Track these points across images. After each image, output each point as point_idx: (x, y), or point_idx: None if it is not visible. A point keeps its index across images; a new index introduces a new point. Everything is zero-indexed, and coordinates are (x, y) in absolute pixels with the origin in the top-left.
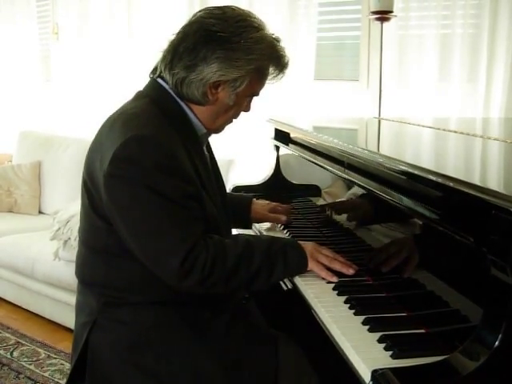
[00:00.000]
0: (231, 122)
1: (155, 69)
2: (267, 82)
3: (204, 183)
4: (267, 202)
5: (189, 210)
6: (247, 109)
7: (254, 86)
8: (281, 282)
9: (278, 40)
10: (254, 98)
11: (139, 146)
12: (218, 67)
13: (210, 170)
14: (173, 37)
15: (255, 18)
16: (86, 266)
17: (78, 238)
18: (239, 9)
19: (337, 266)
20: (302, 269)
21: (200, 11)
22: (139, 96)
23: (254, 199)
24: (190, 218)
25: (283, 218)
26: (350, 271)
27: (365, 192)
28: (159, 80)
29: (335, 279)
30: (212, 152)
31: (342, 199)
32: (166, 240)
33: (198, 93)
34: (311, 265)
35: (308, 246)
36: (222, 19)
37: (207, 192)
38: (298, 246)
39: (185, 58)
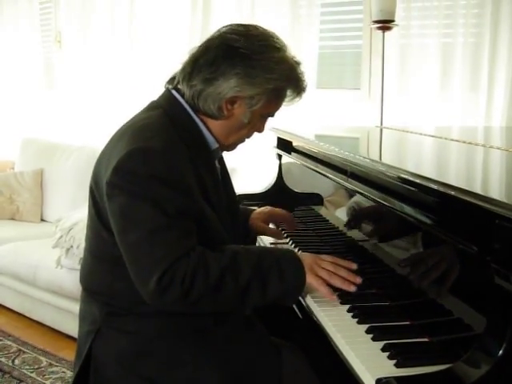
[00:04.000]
0: (243, 141)
1: (172, 79)
2: (283, 104)
3: (210, 198)
4: (263, 209)
5: (180, 225)
6: (261, 129)
7: (271, 106)
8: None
9: (298, 63)
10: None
11: (142, 158)
12: (236, 83)
13: (221, 184)
14: (194, 49)
15: (278, 38)
16: (91, 274)
17: (83, 246)
18: (263, 28)
19: (337, 283)
20: (299, 283)
21: (224, 27)
22: (152, 106)
23: (254, 211)
24: (180, 234)
25: (282, 236)
26: (352, 288)
27: (368, 201)
28: (174, 92)
29: (335, 298)
30: (225, 166)
31: (346, 207)
32: (150, 256)
33: (214, 107)
34: (309, 279)
35: (307, 257)
36: (244, 36)
37: (213, 207)
38: (294, 258)
39: (204, 71)
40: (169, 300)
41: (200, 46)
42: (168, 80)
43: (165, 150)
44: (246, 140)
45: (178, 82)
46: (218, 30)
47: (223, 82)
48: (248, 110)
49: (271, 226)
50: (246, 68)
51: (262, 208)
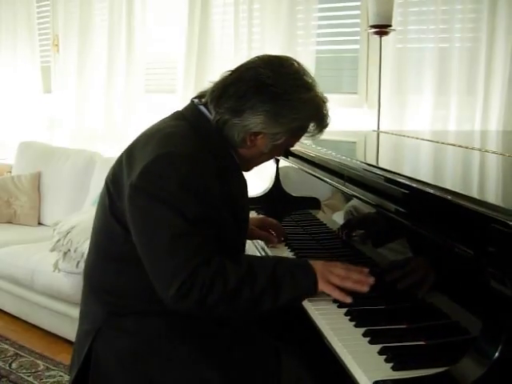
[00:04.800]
0: (260, 164)
1: (201, 96)
2: (304, 136)
3: (236, 210)
4: (255, 216)
5: (202, 232)
6: (279, 155)
7: (292, 139)
8: None
9: (324, 101)
10: None
11: (170, 163)
12: (262, 119)
13: (246, 195)
14: (227, 74)
15: (309, 76)
16: (96, 270)
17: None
18: (297, 63)
19: (349, 285)
20: (311, 291)
21: (258, 57)
22: (177, 117)
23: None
24: (201, 240)
25: (274, 239)
26: (364, 288)
27: (365, 205)
28: (202, 108)
29: (349, 300)
30: (245, 179)
31: (343, 212)
32: (171, 260)
33: (238, 137)
34: (322, 286)
35: (318, 265)
36: (277, 73)
37: (237, 218)
38: (306, 267)
39: (233, 101)
40: (186, 306)
41: (233, 73)
42: (197, 95)
43: (192, 156)
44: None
45: (207, 102)
46: (253, 59)
47: (250, 116)
48: (270, 143)
49: None
50: (275, 106)
51: (256, 217)
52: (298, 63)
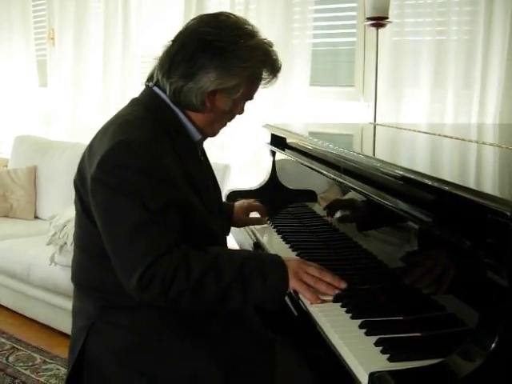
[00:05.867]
0: (226, 125)
1: (151, 77)
2: (261, 86)
3: (199, 190)
4: (242, 202)
5: (164, 220)
6: (241, 112)
7: (249, 91)
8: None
9: (270, 45)
10: (250, 103)
11: (126, 151)
12: (215, 76)
13: (207, 176)
14: (168, 44)
15: (249, 24)
16: (82, 269)
17: (73, 243)
18: (233, 16)
19: (322, 288)
20: (281, 288)
21: (194, 19)
22: (134, 103)
23: (235, 205)
24: (163, 229)
25: (261, 222)
26: (335, 292)
27: (362, 197)
28: (155, 88)
29: (319, 302)
30: (207, 158)
31: (339, 202)
32: (131, 252)
33: (196, 101)
34: (294, 284)
35: (292, 263)
36: (217, 28)
37: (202, 199)
38: (278, 263)
39: (182, 67)
40: (149, 296)
41: (174, 42)
42: (147, 78)
43: (147, 141)
44: (228, 124)
45: (158, 79)
46: (189, 23)
47: (203, 77)
48: (229, 99)
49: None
50: (223, 60)
51: (240, 202)
52: (235, 15)
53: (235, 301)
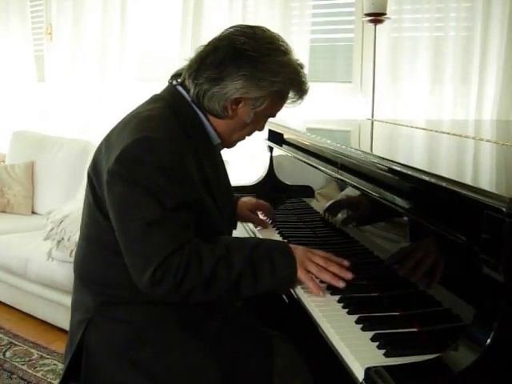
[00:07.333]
0: (244, 139)
1: (177, 75)
2: (285, 105)
3: (213, 192)
4: (250, 199)
5: (178, 218)
6: (261, 128)
7: (274, 107)
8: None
9: (302, 67)
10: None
11: (147, 147)
12: (242, 84)
13: (222, 176)
14: (201, 48)
15: (283, 41)
16: (86, 262)
17: (74, 238)
18: (269, 31)
19: (326, 277)
20: (290, 277)
21: (231, 27)
22: (155, 99)
23: (240, 199)
24: (177, 226)
25: (264, 223)
26: (340, 284)
27: (359, 193)
28: (179, 87)
29: (321, 293)
30: (223, 161)
31: (336, 199)
32: (145, 247)
33: (219, 106)
34: (299, 273)
35: (299, 250)
36: (252, 38)
37: (215, 201)
38: (286, 252)
39: (211, 71)
40: (161, 292)
41: (207, 45)
42: (172, 75)
43: (168, 139)
44: (246, 138)
45: (184, 79)
46: (226, 30)
47: (229, 83)
48: (252, 111)
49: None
50: (253, 70)
51: (248, 197)
52: (272, 32)
53: (245, 290)
